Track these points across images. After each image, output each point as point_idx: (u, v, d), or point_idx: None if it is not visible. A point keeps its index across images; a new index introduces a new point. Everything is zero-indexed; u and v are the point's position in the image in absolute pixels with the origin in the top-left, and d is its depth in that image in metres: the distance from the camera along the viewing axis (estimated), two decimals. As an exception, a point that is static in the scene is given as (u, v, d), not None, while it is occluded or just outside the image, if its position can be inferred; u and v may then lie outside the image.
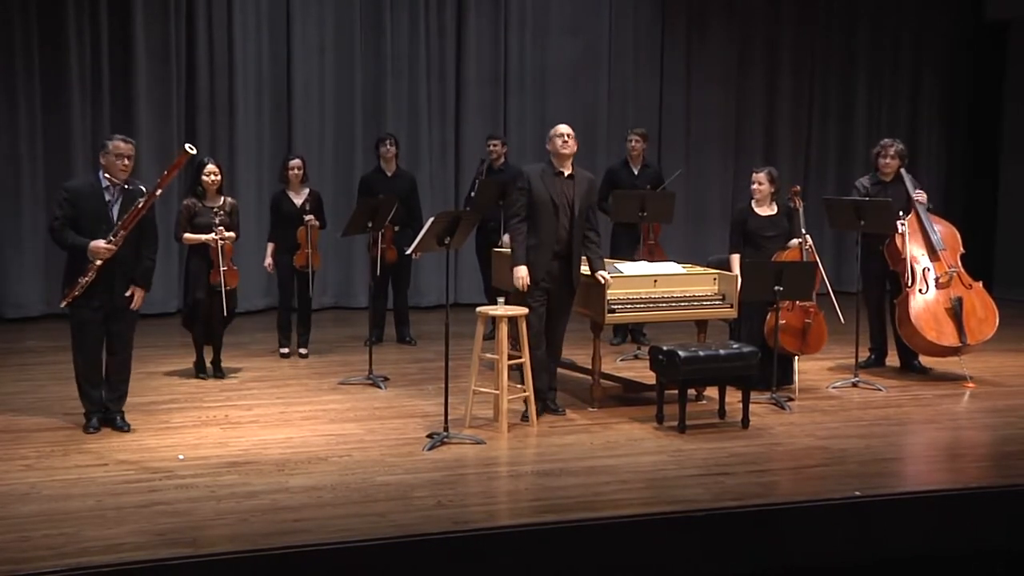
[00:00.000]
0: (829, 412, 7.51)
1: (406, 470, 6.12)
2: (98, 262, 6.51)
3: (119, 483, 5.82)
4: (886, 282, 8.75)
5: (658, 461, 6.38)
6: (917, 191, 8.60)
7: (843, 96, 12.98)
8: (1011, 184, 12.84)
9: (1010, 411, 7.62)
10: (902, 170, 8.65)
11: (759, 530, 5.62)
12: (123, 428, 6.78)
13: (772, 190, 8.07)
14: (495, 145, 9.90)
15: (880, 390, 8.05)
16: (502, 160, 9.84)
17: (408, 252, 7.33)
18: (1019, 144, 12.91)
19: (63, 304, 6.70)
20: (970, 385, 8.31)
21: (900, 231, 8.41)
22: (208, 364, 8.26)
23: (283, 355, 8.94)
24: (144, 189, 6.69)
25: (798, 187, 8.29)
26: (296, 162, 8.86)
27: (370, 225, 8.29)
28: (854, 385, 8.13)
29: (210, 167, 8.05)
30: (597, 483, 5.95)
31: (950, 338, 8.36)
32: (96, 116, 10.57)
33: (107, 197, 6.61)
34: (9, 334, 9.88)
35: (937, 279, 8.43)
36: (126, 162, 6.61)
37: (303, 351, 8.98)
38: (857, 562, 5.74)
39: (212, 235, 7.92)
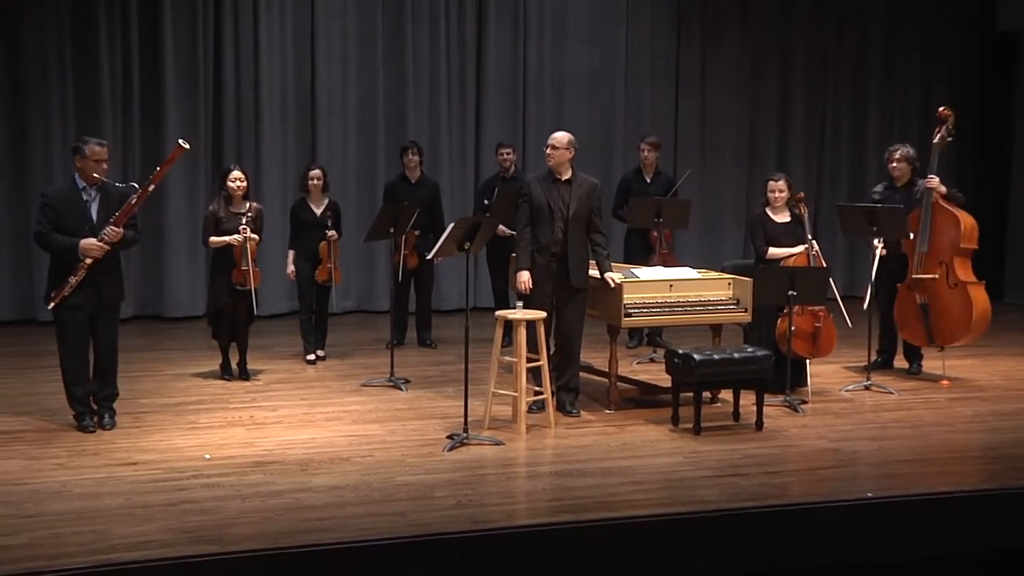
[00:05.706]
0: (842, 415, 7.58)
1: (426, 470, 6.21)
2: (88, 260, 6.64)
3: (147, 482, 5.94)
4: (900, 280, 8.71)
5: (673, 462, 6.46)
6: (928, 177, 8.44)
7: (855, 104, 13.00)
8: (1021, 193, 12.84)
9: (1020, 414, 7.67)
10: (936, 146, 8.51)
11: (773, 530, 5.68)
12: (108, 427, 6.91)
13: (788, 196, 8.19)
14: (507, 153, 9.93)
15: (892, 393, 8.12)
16: (513, 169, 9.89)
17: (429, 257, 7.48)
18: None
19: (50, 306, 6.79)
20: (945, 383, 8.40)
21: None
22: (234, 366, 8.39)
23: (309, 362, 8.99)
24: (136, 186, 6.82)
25: (802, 193, 8.37)
26: (316, 172, 8.93)
27: (392, 230, 8.41)
28: (866, 388, 8.20)
29: (235, 173, 8.20)
30: (613, 484, 6.03)
31: (919, 339, 8.55)
32: (127, 130, 10.74)
33: (85, 198, 6.75)
34: (39, 336, 9.99)
35: (910, 278, 8.50)
36: (104, 166, 6.75)
37: (320, 353, 9.08)
38: (869, 563, 5.80)
39: (236, 236, 8.06)
